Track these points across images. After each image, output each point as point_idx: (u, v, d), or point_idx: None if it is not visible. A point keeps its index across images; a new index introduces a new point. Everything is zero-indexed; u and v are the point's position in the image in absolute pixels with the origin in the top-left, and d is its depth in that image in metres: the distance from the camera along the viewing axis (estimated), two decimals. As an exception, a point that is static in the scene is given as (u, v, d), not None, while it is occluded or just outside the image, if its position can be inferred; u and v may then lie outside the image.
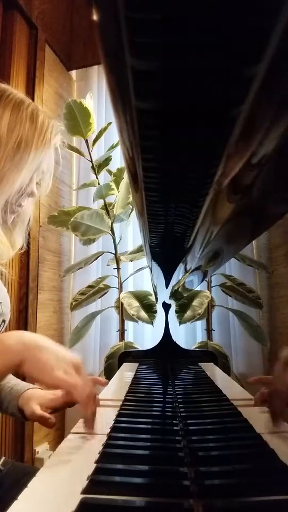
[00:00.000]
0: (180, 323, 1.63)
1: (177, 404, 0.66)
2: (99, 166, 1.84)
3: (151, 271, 0.91)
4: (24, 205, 0.72)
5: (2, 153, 0.64)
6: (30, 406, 0.68)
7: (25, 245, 0.80)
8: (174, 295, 1.15)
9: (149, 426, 0.55)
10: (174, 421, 0.56)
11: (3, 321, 0.72)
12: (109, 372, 1.59)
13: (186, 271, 0.67)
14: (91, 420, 0.52)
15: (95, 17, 0.13)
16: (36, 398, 0.70)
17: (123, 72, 0.15)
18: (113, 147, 1.83)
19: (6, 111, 0.66)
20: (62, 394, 0.67)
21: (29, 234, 0.82)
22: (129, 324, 1.85)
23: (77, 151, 1.86)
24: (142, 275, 1.91)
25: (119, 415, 0.60)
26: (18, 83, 1.68)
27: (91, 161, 1.83)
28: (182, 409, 0.64)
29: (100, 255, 1.88)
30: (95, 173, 1.84)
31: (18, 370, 0.49)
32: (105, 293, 1.82)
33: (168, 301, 1.29)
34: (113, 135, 1.95)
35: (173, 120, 0.19)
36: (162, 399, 0.75)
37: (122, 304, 1.68)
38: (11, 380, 0.77)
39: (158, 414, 0.63)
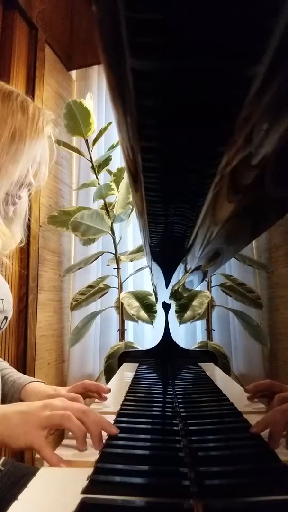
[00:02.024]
0: (180, 323, 1.63)
1: (177, 404, 0.66)
2: (99, 166, 1.84)
3: (151, 271, 0.91)
4: (23, 197, 0.72)
5: None
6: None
7: (24, 238, 0.80)
8: (174, 295, 1.15)
9: (149, 426, 0.55)
10: (174, 421, 0.56)
11: (5, 318, 0.71)
12: (109, 372, 1.59)
13: (186, 271, 0.67)
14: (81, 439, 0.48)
15: (95, 17, 0.13)
16: (36, 393, 0.70)
17: (123, 72, 0.15)
18: (113, 147, 1.83)
19: None
20: (64, 389, 0.68)
21: (29, 233, 0.83)
22: (129, 324, 1.85)
23: (77, 151, 1.86)
24: (142, 275, 1.91)
25: (119, 415, 0.60)
26: (18, 83, 1.68)
27: (91, 161, 1.83)
28: (182, 409, 0.64)
29: (100, 255, 1.88)
30: (95, 173, 1.84)
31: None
32: (105, 293, 1.82)
33: (168, 301, 1.29)
34: (113, 135, 1.95)
35: (173, 120, 0.19)
36: (162, 399, 0.75)
37: (122, 304, 1.68)
38: (14, 374, 0.78)
39: (158, 414, 0.63)
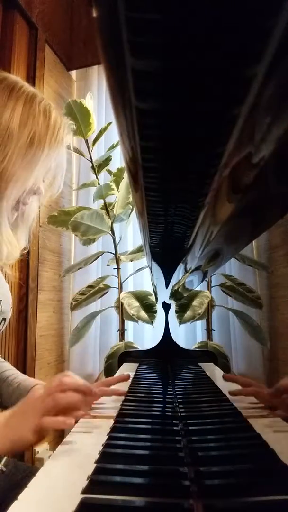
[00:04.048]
0: (180, 323, 1.63)
1: (177, 404, 0.66)
2: (99, 166, 1.84)
3: (151, 271, 0.91)
4: (29, 203, 0.70)
5: (13, 148, 0.60)
6: None
7: (28, 245, 0.78)
8: (174, 295, 1.15)
9: (149, 426, 0.55)
10: (174, 421, 0.56)
11: (3, 319, 0.71)
12: (109, 372, 1.59)
13: (186, 271, 0.67)
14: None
15: (95, 17, 0.13)
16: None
17: (123, 72, 0.15)
18: (113, 147, 1.83)
19: (18, 104, 0.62)
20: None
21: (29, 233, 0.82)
22: (129, 324, 1.85)
23: (77, 151, 1.86)
24: (142, 275, 1.91)
25: (119, 415, 0.60)
26: (18, 83, 1.68)
27: (91, 161, 1.83)
28: (182, 409, 0.64)
29: (100, 255, 1.88)
30: (95, 173, 1.84)
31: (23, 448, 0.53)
32: (105, 293, 1.82)
33: (168, 301, 1.29)
34: (113, 135, 1.95)
35: (173, 120, 0.19)
36: (162, 399, 0.75)
37: (122, 304, 1.68)
38: (19, 375, 0.78)
39: (158, 414, 0.63)
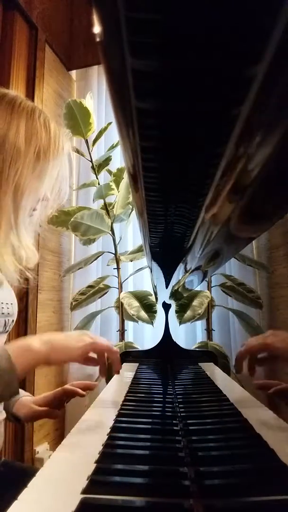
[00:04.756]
0: (180, 323, 1.63)
1: (177, 404, 0.66)
2: (99, 166, 1.84)
3: (151, 271, 0.91)
4: (38, 209, 0.75)
5: (23, 164, 0.64)
6: (29, 408, 0.77)
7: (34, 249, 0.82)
8: (174, 295, 1.15)
9: (149, 426, 0.55)
10: (174, 421, 0.56)
11: (13, 321, 0.76)
12: (109, 372, 1.58)
13: (186, 271, 0.67)
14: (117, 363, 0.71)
15: (95, 17, 0.13)
16: (30, 401, 0.79)
17: (123, 72, 0.15)
18: (113, 147, 1.83)
19: (21, 121, 0.66)
20: (53, 392, 0.78)
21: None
22: (129, 324, 1.85)
23: (77, 151, 1.86)
24: (142, 275, 1.91)
25: (119, 415, 0.60)
26: (18, 83, 1.68)
27: (91, 161, 1.83)
28: (182, 409, 0.64)
29: (100, 255, 1.88)
30: (95, 173, 1.84)
31: (48, 364, 0.60)
32: (105, 293, 1.82)
33: (168, 301, 1.29)
34: (113, 135, 1.95)
35: (173, 120, 0.19)
36: (162, 399, 0.75)
37: (122, 304, 1.68)
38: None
39: (158, 414, 0.63)
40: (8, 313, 0.73)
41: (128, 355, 1.30)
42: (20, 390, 0.81)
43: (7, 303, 0.72)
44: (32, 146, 0.65)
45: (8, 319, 0.73)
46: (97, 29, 0.13)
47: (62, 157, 0.71)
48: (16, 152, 0.64)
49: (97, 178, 1.83)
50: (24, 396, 0.81)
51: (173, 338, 1.26)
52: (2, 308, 0.70)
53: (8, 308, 0.72)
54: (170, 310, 1.29)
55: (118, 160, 1.95)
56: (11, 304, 0.74)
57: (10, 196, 0.64)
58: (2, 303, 0.70)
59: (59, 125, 0.73)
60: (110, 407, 0.68)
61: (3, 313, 0.70)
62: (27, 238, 0.71)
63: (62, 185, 0.76)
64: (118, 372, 0.72)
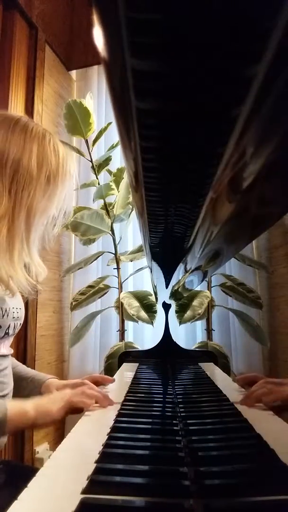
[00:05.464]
0: (180, 323, 1.63)
1: (177, 404, 0.66)
2: (99, 166, 1.84)
3: (151, 271, 0.91)
4: (45, 225, 0.79)
5: (35, 187, 0.69)
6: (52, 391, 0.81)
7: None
8: (174, 295, 1.15)
9: (149, 426, 0.55)
10: (174, 421, 0.56)
11: (20, 324, 0.80)
12: (109, 372, 1.59)
13: (186, 271, 0.67)
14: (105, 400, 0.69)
15: (95, 17, 0.13)
16: (55, 385, 0.82)
17: (123, 72, 0.15)
18: (113, 147, 1.83)
19: (34, 146, 0.70)
20: (74, 381, 0.81)
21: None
22: (129, 324, 1.85)
23: (77, 151, 1.86)
24: (142, 275, 1.91)
25: (119, 415, 0.60)
26: (18, 83, 1.68)
27: (91, 161, 1.83)
28: (182, 409, 0.64)
29: (100, 255, 1.88)
30: (95, 173, 1.84)
31: (35, 426, 0.65)
32: (105, 293, 1.82)
33: (168, 301, 1.29)
34: (113, 135, 1.95)
35: (173, 120, 0.19)
36: (162, 399, 0.75)
37: (122, 304, 1.68)
38: (29, 372, 0.88)
39: (158, 414, 0.63)
40: (18, 317, 0.77)
41: (128, 355, 1.30)
42: (41, 374, 0.87)
43: (17, 308, 0.76)
44: (43, 171, 0.70)
45: (17, 323, 0.77)
46: (97, 29, 0.13)
47: (70, 179, 0.76)
48: (29, 176, 0.68)
49: (97, 178, 1.83)
50: (50, 379, 0.85)
51: (173, 338, 1.26)
52: (13, 312, 0.74)
53: (17, 312, 0.76)
54: (170, 310, 1.29)
55: (118, 160, 1.95)
56: (20, 308, 0.78)
57: (23, 218, 0.68)
58: (13, 307, 0.74)
59: (65, 147, 0.77)
60: (110, 407, 0.68)
61: (13, 317, 0.74)
62: (37, 255, 0.76)
63: (69, 205, 0.80)
64: (106, 407, 0.70)
